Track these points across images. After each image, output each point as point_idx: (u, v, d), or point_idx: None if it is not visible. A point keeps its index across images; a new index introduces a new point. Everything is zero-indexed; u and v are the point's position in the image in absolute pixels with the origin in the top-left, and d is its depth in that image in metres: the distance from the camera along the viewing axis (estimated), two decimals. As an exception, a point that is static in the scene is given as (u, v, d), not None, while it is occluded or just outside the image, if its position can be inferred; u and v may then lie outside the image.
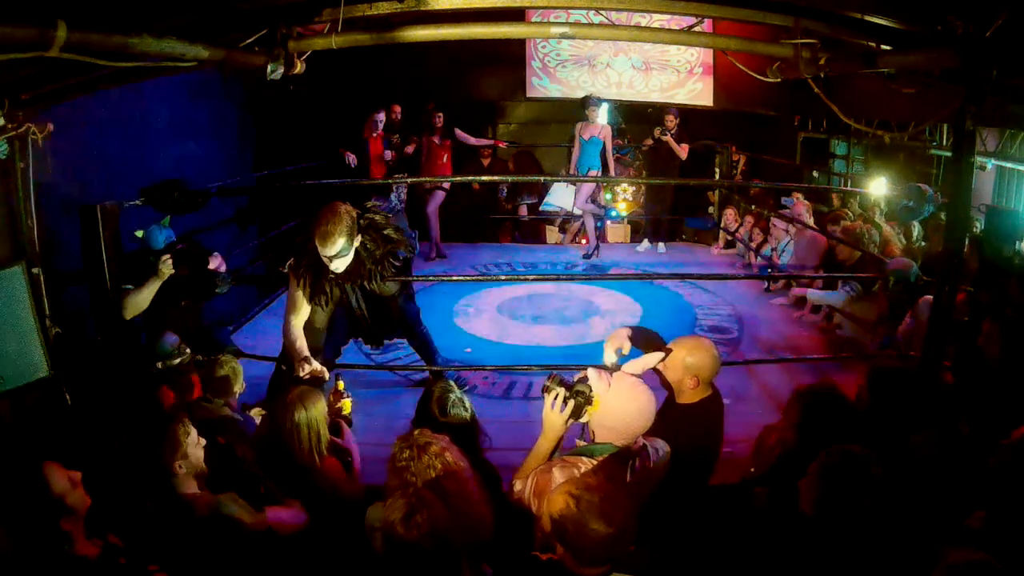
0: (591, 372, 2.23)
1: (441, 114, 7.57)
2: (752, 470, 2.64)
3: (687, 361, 2.50)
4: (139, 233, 3.88)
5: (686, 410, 2.55)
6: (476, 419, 2.63)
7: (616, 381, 2.24)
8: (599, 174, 7.40)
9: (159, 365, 3.34)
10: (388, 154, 7.17)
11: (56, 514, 1.83)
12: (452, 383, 2.65)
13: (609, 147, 7.48)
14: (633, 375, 2.33)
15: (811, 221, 6.67)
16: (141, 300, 3.63)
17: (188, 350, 3.45)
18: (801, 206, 6.76)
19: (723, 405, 2.63)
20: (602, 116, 7.61)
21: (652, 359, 2.47)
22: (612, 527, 1.76)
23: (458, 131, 7.68)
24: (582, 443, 2.29)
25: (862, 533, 1.91)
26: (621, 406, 2.20)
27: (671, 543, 2.21)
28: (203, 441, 2.46)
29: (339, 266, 3.29)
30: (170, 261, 3.60)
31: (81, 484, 1.92)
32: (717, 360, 2.54)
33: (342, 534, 2.36)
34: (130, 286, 3.62)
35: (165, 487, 2.33)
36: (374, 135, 6.97)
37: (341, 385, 3.37)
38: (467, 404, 2.62)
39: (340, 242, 3.17)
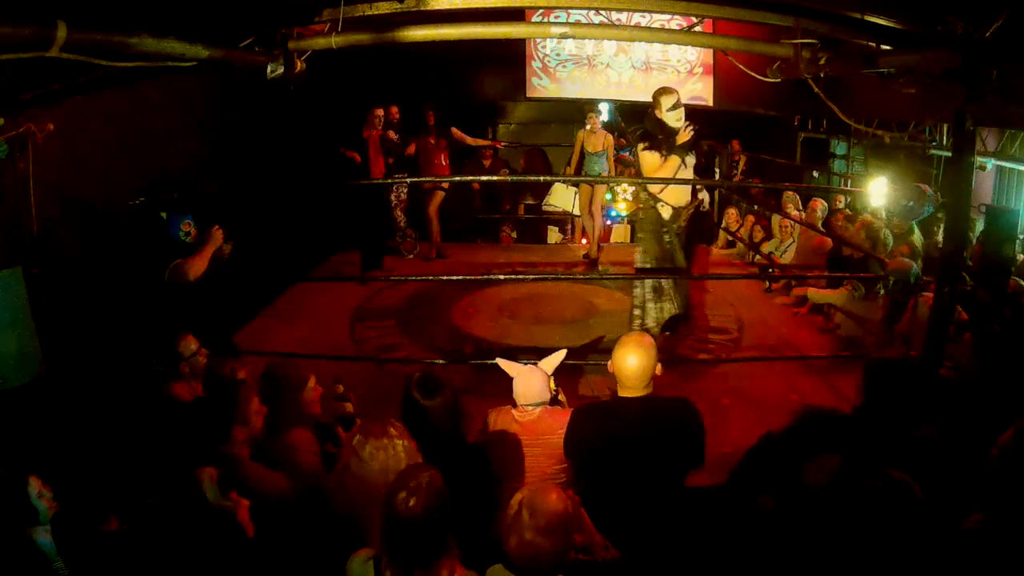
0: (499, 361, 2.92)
1: (432, 113, 7.55)
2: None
3: (614, 355, 2.49)
4: (163, 214, 3.95)
5: (600, 402, 2.75)
6: (458, 401, 2.67)
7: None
8: None
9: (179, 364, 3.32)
10: (391, 136, 7.12)
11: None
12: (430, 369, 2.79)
13: (611, 154, 7.46)
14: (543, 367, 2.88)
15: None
16: (199, 267, 3.83)
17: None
18: (818, 204, 6.75)
19: (639, 410, 2.46)
20: (602, 119, 7.58)
21: (558, 356, 2.94)
22: (548, 539, 1.78)
23: (455, 130, 7.65)
24: None
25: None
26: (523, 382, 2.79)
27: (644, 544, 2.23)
28: (263, 409, 2.53)
29: None
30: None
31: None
32: (629, 361, 2.42)
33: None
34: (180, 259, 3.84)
35: (223, 456, 2.35)
36: (373, 133, 6.97)
37: (340, 388, 3.35)
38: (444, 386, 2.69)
39: None
